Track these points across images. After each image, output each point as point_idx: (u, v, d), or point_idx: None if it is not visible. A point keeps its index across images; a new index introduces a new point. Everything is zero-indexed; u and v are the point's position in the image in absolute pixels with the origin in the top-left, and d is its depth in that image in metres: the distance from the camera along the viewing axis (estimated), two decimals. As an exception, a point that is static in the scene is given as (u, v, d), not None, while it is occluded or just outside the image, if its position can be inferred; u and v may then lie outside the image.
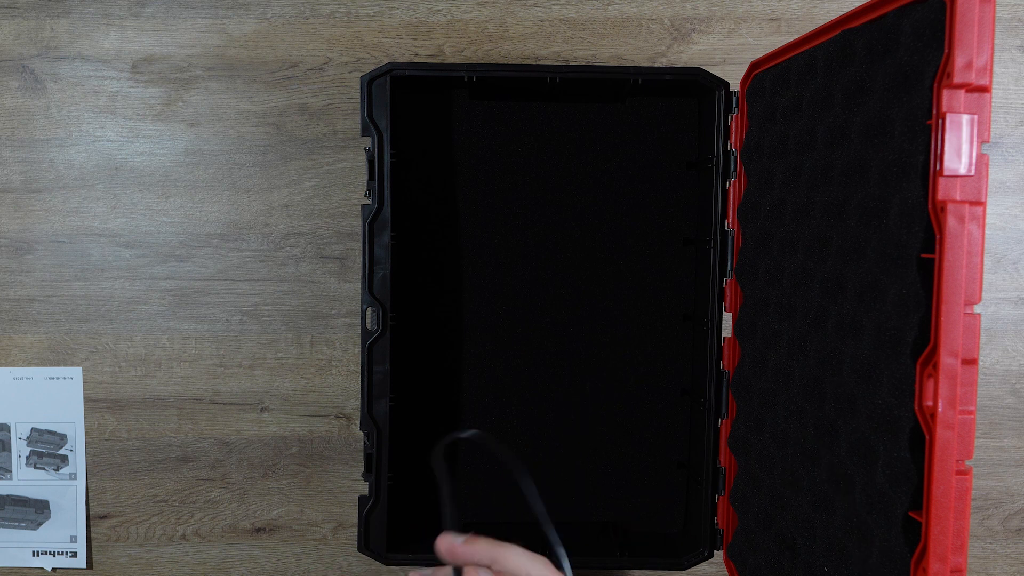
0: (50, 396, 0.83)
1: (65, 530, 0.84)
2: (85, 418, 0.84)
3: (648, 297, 0.80)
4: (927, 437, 0.44)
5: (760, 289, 0.67)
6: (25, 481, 0.84)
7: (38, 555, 0.84)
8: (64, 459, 0.84)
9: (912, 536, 0.45)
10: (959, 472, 0.43)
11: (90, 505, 0.84)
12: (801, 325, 0.60)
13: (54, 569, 0.85)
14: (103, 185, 0.82)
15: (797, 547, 0.60)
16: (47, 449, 0.83)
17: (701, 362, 0.76)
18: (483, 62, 0.80)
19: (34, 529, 0.84)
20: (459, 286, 0.80)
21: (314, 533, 0.85)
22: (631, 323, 0.80)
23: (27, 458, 0.83)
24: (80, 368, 0.83)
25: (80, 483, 0.84)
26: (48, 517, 0.84)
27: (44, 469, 0.83)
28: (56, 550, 0.84)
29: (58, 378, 0.83)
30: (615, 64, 0.80)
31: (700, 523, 0.75)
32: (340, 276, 0.83)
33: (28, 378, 0.83)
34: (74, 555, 0.84)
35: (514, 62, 0.80)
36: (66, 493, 0.84)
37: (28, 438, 0.83)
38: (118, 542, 0.85)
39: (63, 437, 0.83)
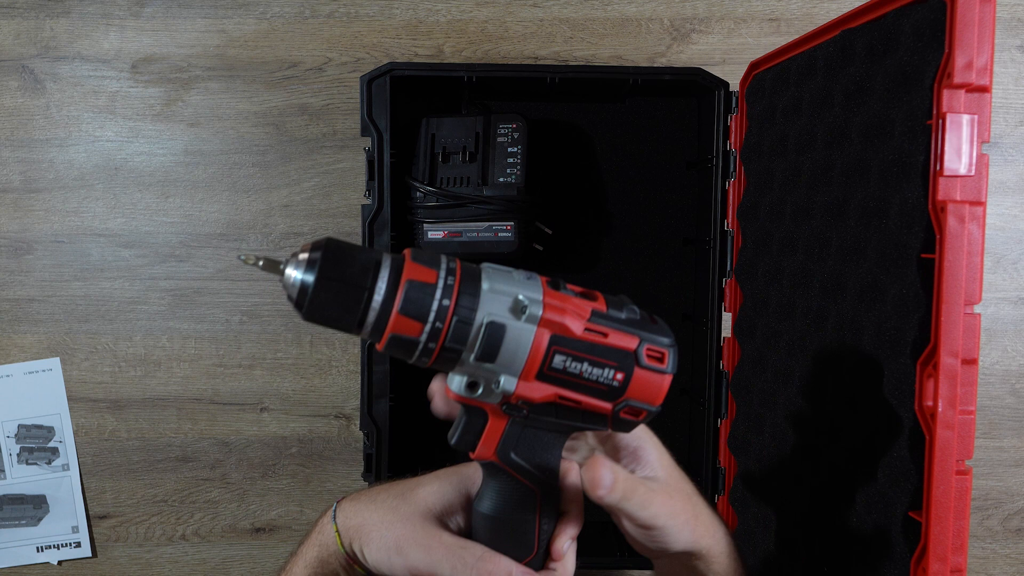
0: (32, 391, 0.83)
1: (66, 521, 0.84)
2: (85, 417, 0.83)
3: (648, 297, 0.80)
4: (927, 437, 0.44)
5: (760, 289, 0.67)
6: (19, 478, 0.84)
7: (42, 550, 0.84)
8: (55, 451, 0.84)
9: (912, 536, 0.45)
10: (959, 472, 0.43)
11: (89, 505, 0.84)
12: (801, 325, 0.60)
13: (60, 562, 0.85)
14: (103, 185, 0.82)
15: (797, 547, 0.60)
16: (36, 444, 0.83)
17: (701, 362, 0.76)
18: (483, 62, 0.80)
19: (35, 525, 0.84)
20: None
21: (314, 533, 0.85)
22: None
23: (18, 455, 0.83)
24: (58, 359, 0.83)
25: (74, 473, 0.84)
26: (47, 511, 0.84)
27: (36, 464, 0.83)
28: (60, 542, 0.84)
29: (38, 371, 0.83)
30: (615, 64, 0.80)
31: (700, 523, 0.75)
32: (340, 276, 0.83)
33: (8, 375, 0.83)
34: (78, 545, 0.84)
35: (514, 62, 0.80)
36: (61, 485, 0.84)
37: (16, 435, 0.83)
38: (118, 542, 0.85)
39: (51, 430, 0.83)
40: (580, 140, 0.79)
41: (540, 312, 0.38)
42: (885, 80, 0.50)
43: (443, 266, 0.39)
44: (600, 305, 0.40)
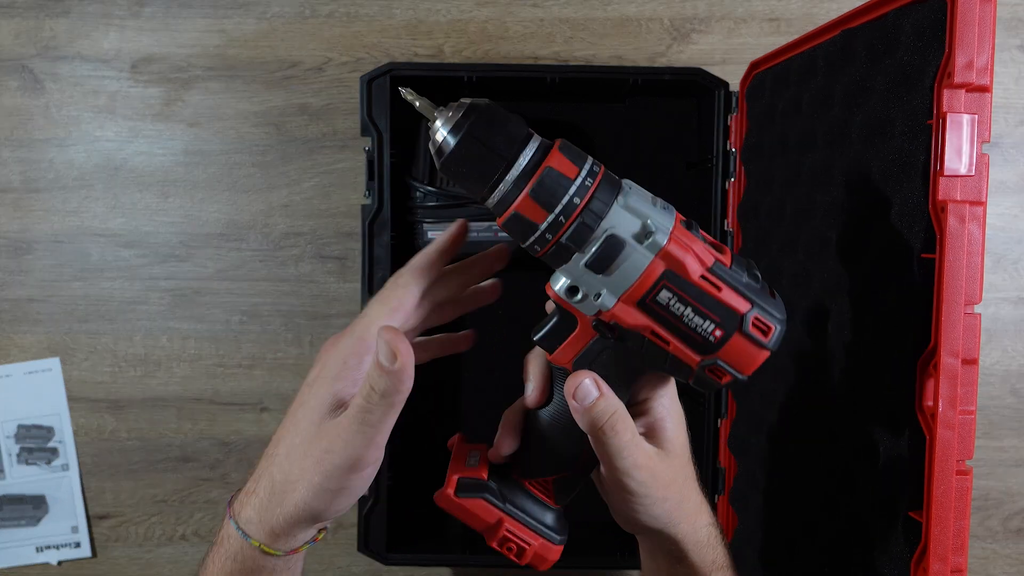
0: (32, 390, 0.83)
1: (65, 522, 0.84)
2: (84, 417, 0.83)
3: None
4: (927, 437, 0.44)
5: (760, 289, 0.67)
6: (19, 479, 0.84)
7: (42, 551, 0.84)
8: (55, 451, 0.84)
9: (912, 536, 0.45)
10: (959, 472, 0.43)
11: (89, 505, 0.84)
12: (801, 325, 0.60)
13: (60, 562, 0.85)
14: (103, 185, 0.82)
15: (797, 547, 0.60)
16: (36, 444, 0.83)
17: (701, 362, 0.76)
18: (483, 62, 0.80)
19: (34, 525, 0.84)
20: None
21: (314, 533, 0.85)
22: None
23: (17, 455, 0.83)
24: (57, 359, 0.83)
25: (74, 473, 0.84)
26: (46, 511, 0.84)
27: (36, 464, 0.83)
28: (59, 543, 0.84)
29: (37, 371, 0.83)
30: (615, 64, 0.80)
31: (700, 523, 0.75)
32: (340, 276, 0.83)
33: (8, 375, 0.83)
34: (77, 545, 0.84)
35: (514, 62, 0.80)
36: (61, 485, 0.84)
37: (16, 435, 0.83)
38: (118, 542, 0.85)
39: (50, 430, 0.83)
40: (580, 140, 0.79)
41: (663, 243, 0.38)
42: (885, 80, 0.50)
43: (587, 166, 0.38)
44: (725, 259, 0.39)
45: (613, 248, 0.38)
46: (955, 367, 0.43)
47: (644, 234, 0.38)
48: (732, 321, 0.39)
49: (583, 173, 0.38)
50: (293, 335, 0.83)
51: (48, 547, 0.84)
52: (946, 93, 0.43)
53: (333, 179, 0.82)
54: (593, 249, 0.38)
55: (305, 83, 0.81)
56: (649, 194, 0.40)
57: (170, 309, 0.83)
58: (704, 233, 0.40)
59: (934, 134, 0.44)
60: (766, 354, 0.39)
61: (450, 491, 0.44)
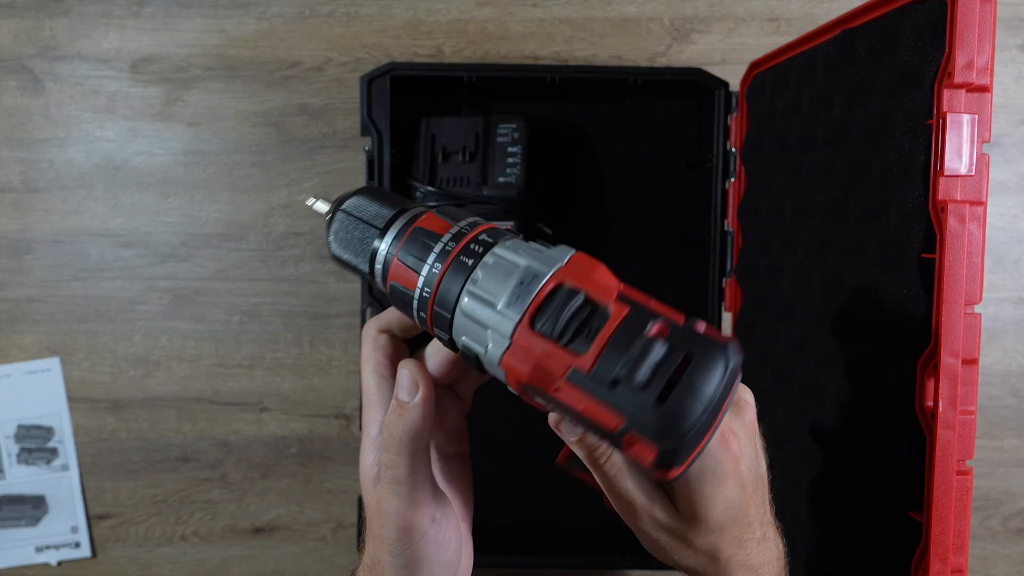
0: (32, 390, 0.83)
1: (65, 522, 0.84)
2: (84, 417, 0.83)
3: (648, 297, 0.80)
4: (927, 437, 0.44)
5: (760, 289, 0.67)
6: (19, 479, 0.83)
7: (41, 551, 0.84)
8: (54, 451, 0.84)
9: (912, 536, 0.45)
10: (959, 472, 0.43)
11: (89, 505, 0.84)
12: (801, 325, 0.60)
13: (59, 563, 0.85)
14: (103, 185, 0.82)
15: (797, 547, 0.60)
16: (36, 444, 0.83)
17: (701, 362, 0.76)
18: (483, 62, 0.80)
19: (34, 525, 0.84)
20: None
21: (314, 533, 0.85)
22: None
23: (17, 455, 0.83)
24: (57, 359, 0.83)
25: (73, 473, 0.84)
26: (46, 512, 0.84)
27: (36, 464, 0.83)
28: (59, 543, 0.84)
29: (37, 371, 0.83)
30: (615, 64, 0.80)
31: (700, 523, 0.75)
32: (340, 276, 0.83)
33: (7, 375, 0.83)
34: (77, 545, 0.84)
35: (514, 62, 0.80)
36: (61, 485, 0.84)
37: (16, 435, 0.83)
38: (117, 542, 0.85)
39: (50, 430, 0.83)
40: (580, 140, 0.79)
41: (499, 355, 0.31)
42: (885, 80, 0.49)
43: (459, 224, 0.33)
44: (586, 360, 0.29)
45: (469, 356, 0.32)
46: (955, 367, 0.43)
47: (483, 343, 0.31)
48: (610, 437, 0.30)
49: (453, 230, 0.33)
50: (293, 335, 0.83)
51: (48, 547, 0.84)
52: (946, 93, 0.43)
53: (333, 179, 0.82)
54: (459, 350, 0.32)
55: (305, 83, 0.81)
56: (522, 259, 0.32)
57: (170, 309, 0.83)
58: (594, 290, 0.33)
59: (934, 134, 0.44)
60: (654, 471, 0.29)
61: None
